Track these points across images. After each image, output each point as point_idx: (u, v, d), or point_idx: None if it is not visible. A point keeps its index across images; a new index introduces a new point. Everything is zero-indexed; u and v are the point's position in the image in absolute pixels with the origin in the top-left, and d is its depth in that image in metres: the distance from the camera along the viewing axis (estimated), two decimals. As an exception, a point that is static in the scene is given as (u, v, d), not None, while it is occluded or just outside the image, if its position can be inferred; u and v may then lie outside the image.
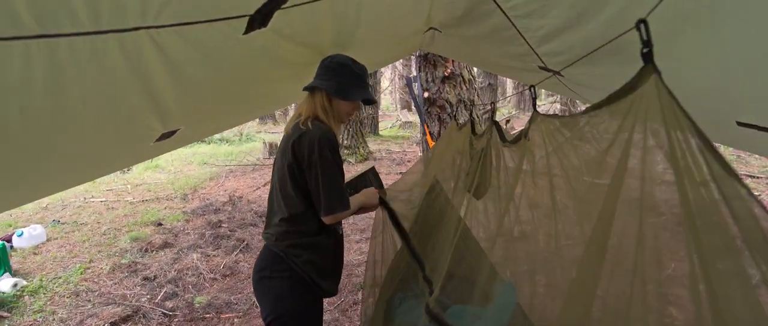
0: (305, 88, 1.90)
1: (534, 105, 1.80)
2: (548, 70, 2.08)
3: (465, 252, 2.21)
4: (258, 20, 1.20)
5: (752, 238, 0.74)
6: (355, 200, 2.03)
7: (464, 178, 2.31)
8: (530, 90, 1.90)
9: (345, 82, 1.88)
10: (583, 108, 1.44)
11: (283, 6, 1.23)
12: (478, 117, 5.92)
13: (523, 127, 1.85)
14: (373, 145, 11.46)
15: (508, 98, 19.39)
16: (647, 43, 0.81)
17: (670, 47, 1.19)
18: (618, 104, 0.94)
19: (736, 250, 0.78)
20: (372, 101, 2.00)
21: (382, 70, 18.67)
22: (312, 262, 1.92)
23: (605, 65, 1.73)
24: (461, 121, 4.77)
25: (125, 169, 8.65)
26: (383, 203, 2.50)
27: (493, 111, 2.81)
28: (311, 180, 1.80)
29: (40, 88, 0.98)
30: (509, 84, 19.09)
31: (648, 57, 0.82)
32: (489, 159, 2.14)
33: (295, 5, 1.29)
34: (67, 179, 1.92)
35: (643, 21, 0.82)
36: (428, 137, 5.90)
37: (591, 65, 1.78)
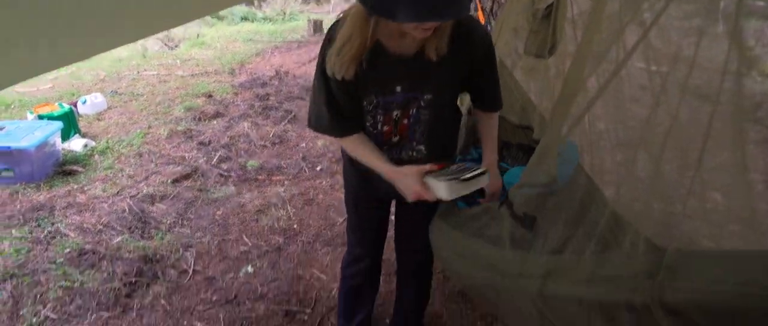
0: None
1: None
2: None
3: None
4: None
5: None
6: (377, 162, 1.52)
7: (530, 39, 2.19)
8: None
9: None
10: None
11: None
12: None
13: None
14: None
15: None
16: None
17: None
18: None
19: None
20: (446, 16, 1.17)
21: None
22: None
23: None
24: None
25: (172, 45, 8.76)
26: None
27: None
28: None
29: None
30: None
31: None
32: (561, 10, 1.99)
33: None
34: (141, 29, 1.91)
35: None
36: (480, 12, 5.58)
37: None
